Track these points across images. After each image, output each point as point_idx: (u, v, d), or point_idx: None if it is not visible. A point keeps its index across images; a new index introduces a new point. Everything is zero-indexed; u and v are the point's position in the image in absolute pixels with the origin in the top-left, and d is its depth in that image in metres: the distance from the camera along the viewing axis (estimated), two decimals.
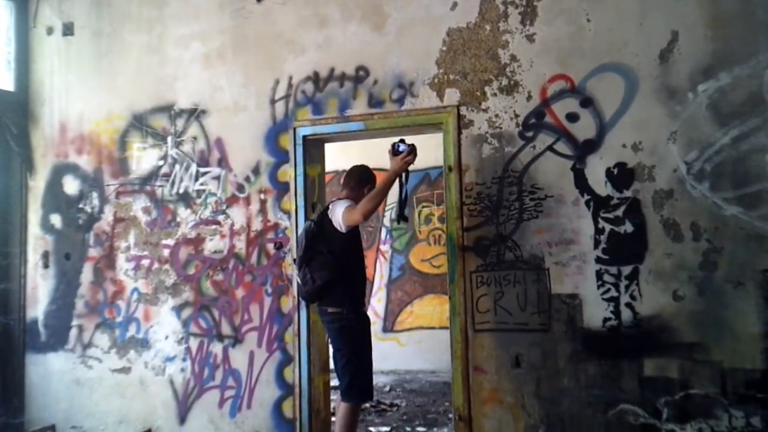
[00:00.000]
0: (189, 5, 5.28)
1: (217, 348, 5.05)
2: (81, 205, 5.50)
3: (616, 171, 4.21)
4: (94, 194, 5.47)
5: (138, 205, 5.34)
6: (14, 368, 5.52)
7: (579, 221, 4.26)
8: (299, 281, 4.30)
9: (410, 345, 8.15)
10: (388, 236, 8.34)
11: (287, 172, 4.93)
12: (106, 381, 5.33)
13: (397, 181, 4.15)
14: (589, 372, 4.18)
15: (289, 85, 4.97)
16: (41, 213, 5.61)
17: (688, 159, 4.06)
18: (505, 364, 4.35)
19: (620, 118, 4.21)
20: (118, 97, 5.45)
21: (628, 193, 4.18)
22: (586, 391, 4.18)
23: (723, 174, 4.00)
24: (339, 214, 4.07)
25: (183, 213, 5.21)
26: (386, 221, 8.33)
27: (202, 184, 5.18)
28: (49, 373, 5.49)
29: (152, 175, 5.32)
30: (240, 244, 5.04)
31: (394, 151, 4.10)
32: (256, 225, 5.01)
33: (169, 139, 5.28)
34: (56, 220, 5.58)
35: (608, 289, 4.19)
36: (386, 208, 8.17)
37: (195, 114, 5.21)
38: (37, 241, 5.61)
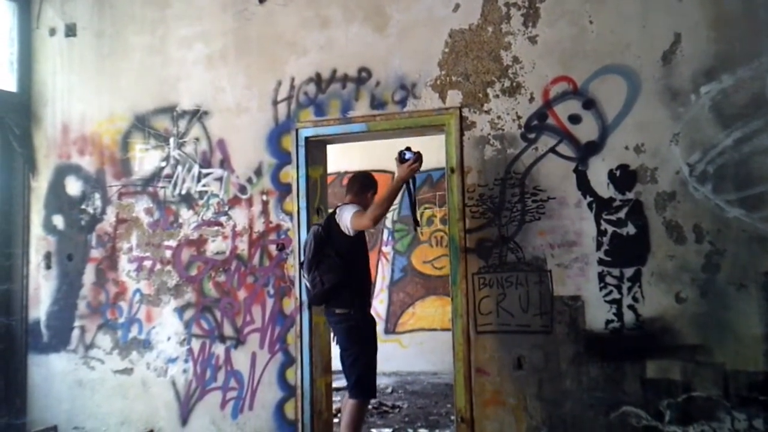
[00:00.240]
0: (192, 7, 5.29)
1: (219, 349, 5.05)
2: (83, 206, 5.50)
3: (618, 173, 4.20)
4: (97, 195, 5.48)
5: (140, 206, 5.35)
6: (17, 369, 5.53)
7: (581, 223, 4.26)
8: (307, 284, 4.38)
9: (412, 346, 8.15)
10: (390, 238, 8.33)
11: (289, 174, 4.93)
12: (108, 382, 5.33)
13: (404, 187, 4.25)
14: (592, 374, 4.18)
15: (292, 87, 4.97)
16: (44, 214, 5.61)
17: (691, 161, 4.06)
18: (507, 365, 4.35)
19: (623, 120, 4.20)
20: (120, 98, 5.46)
21: (630, 195, 4.18)
22: (589, 393, 4.18)
23: (725, 176, 3.99)
24: (347, 219, 4.19)
25: (185, 214, 5.22)
26: (388, 223, 8.33)
27: (204, 186, 5.18)
28: (52, 374, 5.49)
29: (154, 177, 5.33)
30: (242, 246, 5.04)
31: (401, 159, 4.18)
32: (258, 226, 5.01)
33: (172, 140, 5.29)
34: (58, 221, 5.58)
35: (610, 291, 4.18)
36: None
37: (197, 115, 5.21)
38: (39, 242, 5.61)
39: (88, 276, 5.45)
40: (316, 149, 5.02)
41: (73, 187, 5.56)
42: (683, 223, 4.07)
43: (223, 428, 4.98)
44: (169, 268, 5.23)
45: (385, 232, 8.34)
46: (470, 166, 4.50)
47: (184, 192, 5.23)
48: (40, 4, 5.71)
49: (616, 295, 4.17)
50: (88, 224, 5.48)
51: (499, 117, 4.45)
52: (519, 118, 4.41)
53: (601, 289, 4.20)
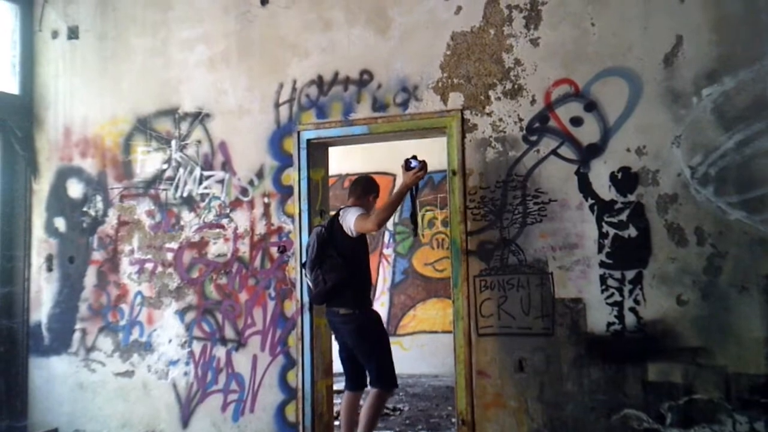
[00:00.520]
0: (194, 9, 5.29)
1: (220, 352, 5.05)
2: (85, 209, 5.51)
3: (620, 175, 4.20)
4: (98, 198, 5.48)
5: (142, 209, 5.35)
6: (17, 371, 5.53)
7: (583, 225, 4.26)
8: (310, 283, 4.45)
9: (413, 349, 8.14)
10: (391, 240, 8.33)
11: (291, 176, 4.94)
12: (109, 384, 5.33)
13: (408, 193, 4.37)
14: (593, 376, 4.18)
15: (294, 89, 4.97)
16: (45, 216, 5.62)
17: (693, 163, 4.06)
18: (509, 368, 4.35)
19: (624, 123, 4.20)
20: (122, 101, 5.47)
21: (632, 198, 4.18)
22: (590, 395, 4.18)
23: (727, 178, 3.99)
24: (351, 221, 4.27)
25: (187, 216, 5.22)
26: (389, 225, 8.32)
27: (206, 188, 5.18)
28: (53, 377, 5.49)
29: (156, 179, 5.33)
30: (243, 248, 5.04)
31: (407, 166, 4.27)
32: (260, 228, 5.01)
33: (173, 142, 5.29)
34: (60, 223, 5.59)
35: (612, 294, 4.18)
36: None
37: (199, 117, 5.22)
38: (41, 245, 5.62)
39: (90, 278, 5.46)
40: (317, 151, 5.02)
41: (75, 189, 5.56)
42: (685, 226, 4.06)
43: (224, 431, 4.98)
44: (170, 270, 5.23)
45: (387, 235, 8.34)
46: (472, 168, 4.50)
47: (185, 194, 5.24)
48: (43, 7, 5.73)
49: (617, 297, 4.17)
50: (90, 227, 5.49)
51: (500, 119, 4.46)
52: (521, 120, 4.42)
53: (602, 291, 4.20)
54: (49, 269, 5.58)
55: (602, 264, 4.21)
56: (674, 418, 4.01)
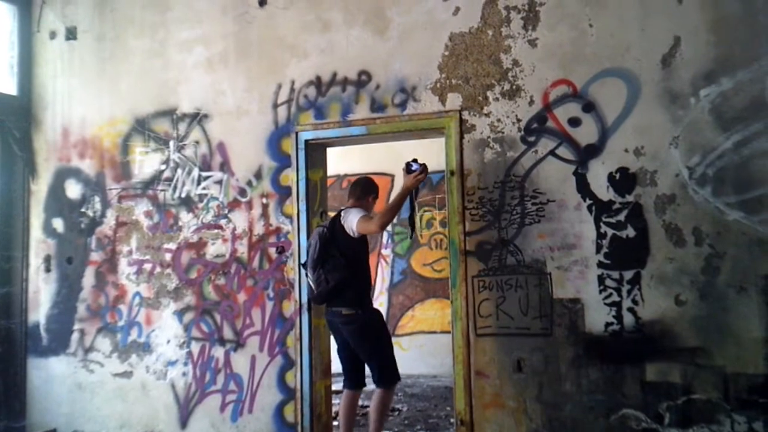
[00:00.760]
0: (192, 10, 5.29)
1: (218, 352, 5.05)
2: (83, 209, 5.51)
3: (618, 176, 4.21)
4: (97, 198, 5.48)
5: (140, 209, 5.35)
6: (16, 372, 5.53)
7: (581, 226, 4.26)
8: (312, 283, 4.48)
9: (412, 349, 8.14)
10: (389, 240, 8.33)
11: (289, 177, 4.94)
12: (108, 385, 5.33)
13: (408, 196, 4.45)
14: (591, 377, 4.18)
15: (292, 90, 4.97)
16: (43, 217, 5.62)
17: (691, 164, 4.06)
18: (507, 368, 4.35)
19: (622, 123, 4.21)
20: (120, 102, 5.47)
21: (630, 198, 4.18)
22: (588, 395, 4.18)
23: (725, 179, 3.99)
24: (353, 222, 4.34)
25: (185, 217, 5.22)
26: (388, 226, 8.31)
27: (204, 189, 5.18)
28: (51, 377, 5.49)
29: (154, 179, 5.33)
30: (242, 249, 5.04)
31: (408, 170, 4.35)
32: (258, 229, 5.01)
33: (172, 143, 5.29)
34: (58, 224, 5.59)
35: (610, 294, 4.18)
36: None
37: (197, 118, 5.22)
38: (39, 245, 5.62)
39: (88, 279, 5.45)
40: (316, 152, 5.02)
41: (73, 190, 5.56)
42: (683, 226, 4.07)
43: (223, 431, 4.98)
44: (168, 271, 5.23)
45: (385, 235, 8.34)
46: (470, 168, 4.50)
47: (184, 195, 5.24)
48: (41, 8, 5.73)
49: (615, 297, 4.17)
50: (88, 227, 5.49)
51: (498, 120, 4.46)
52: (519, 121, 4.42)
53: (600, 291, 4.20)
54: (48, 270, 5.58)
55: (600, 264, 4.22)
56: (673, 418, 4.01)
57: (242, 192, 5.07)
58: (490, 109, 4.48)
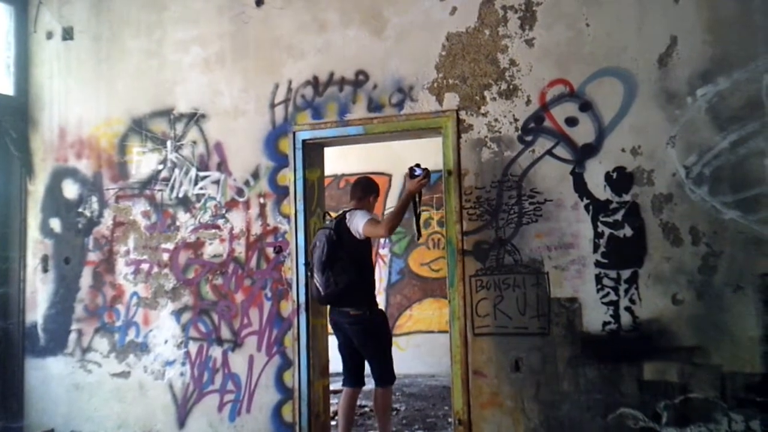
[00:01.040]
0: (188, 10, 5.29)
1: (216, 352, 5.05)
2: (80, 210, 5.50)
3: (615, 175, 4.21)
4: (94, 198, 5.47)
5: (137, 210, 5.35)
6: (13, 372, 5.52)
7: (578, 225, 4.27)
8: (319, 285, 4.50)
9: (409, 349, 8.14)
10: (387, 240, 8.33)
11: (287, 176, 4.94)
12: (106, 385, 5.33)
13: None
14: (589, 376, 4.19)
15: (289, 90, 4.97)
16: (41, 217, 5.61)
17: (687, 163, 4.07)
18: (505, 368, 4.35)
19: (619, 123, 4.21)
20: (117, 102, 5.46)
21: (627, 197, 4.19)
22: (586, 395, 4.19)
23: (722, 178, 4.00)
24: (360, 225, 4.42)
25: (182, 217, 5.21)
26: None
27: (201, 189, 5.18)
28: (49, 378, 5.48)
29: (152, 180, 5.33)
30: (239, 248, 5.04)
31: (411, 175, 4.43)
32: (256, 229, 5.01)
33: (169, 143, 5.29)
34: (56, 224, 5.58)
35: (607, 293, 4.19)
36: (385, 210, 8.18)
37: (194, 118, 5.22)
38: (36, 245, 5.61)
39: (85, 279, 5.45)
40: (313, 152, 5.02)
41: (70, 190, 5.56)
42: (680, 225, 4.08)
43: (221, 431, 4.98)
44: (166, 271, 5.23)
45: None
46: (467, 168, 4.51)
47: (181, 195, 5.23)
48: (38, 8, 5.72)
49: (613, 297, 4.18)
50: (85, 227, 5.48)
51: (496, 120, 4.46)
52: (516, 120, 4.42)
53: (598, 291, 4.21)
54: (45, 270, 5.57)
55: (598, 263, 4.22)
56: (670, 417, 4.02)
57: (240, 192, 5.07)
58: (487, 108, 4.49)
